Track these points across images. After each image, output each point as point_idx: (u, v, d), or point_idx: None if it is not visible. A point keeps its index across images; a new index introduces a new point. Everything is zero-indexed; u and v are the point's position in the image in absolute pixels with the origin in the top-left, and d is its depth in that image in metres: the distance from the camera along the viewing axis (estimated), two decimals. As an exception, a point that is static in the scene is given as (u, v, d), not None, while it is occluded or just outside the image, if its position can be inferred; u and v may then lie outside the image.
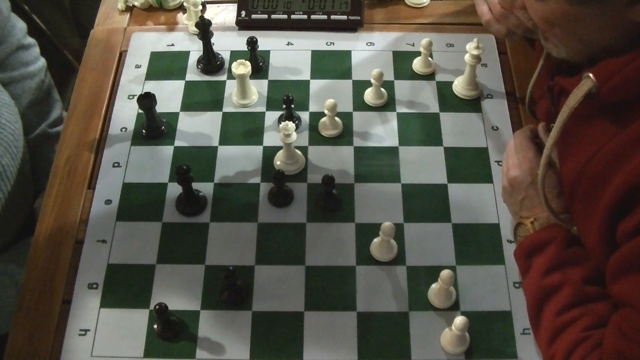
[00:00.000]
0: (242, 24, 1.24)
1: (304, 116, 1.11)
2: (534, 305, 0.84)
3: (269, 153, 1.07)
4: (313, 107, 1.13)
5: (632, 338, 0.71)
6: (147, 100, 1.05)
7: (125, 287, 0.94)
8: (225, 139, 1.09)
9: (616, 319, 0.75)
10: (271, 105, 1.13)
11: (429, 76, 1.17)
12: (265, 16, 1.23)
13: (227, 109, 1.13)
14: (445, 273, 0.88)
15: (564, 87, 0.82)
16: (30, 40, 1.23)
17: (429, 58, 1.17)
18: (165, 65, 1.19)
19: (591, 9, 0.70)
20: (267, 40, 1.20)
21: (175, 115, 1.12)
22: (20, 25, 1.21)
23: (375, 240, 0.96)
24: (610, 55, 0.74)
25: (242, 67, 1.08)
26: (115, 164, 1.06)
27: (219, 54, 1.19)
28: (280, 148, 1.05)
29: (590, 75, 0.74)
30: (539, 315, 0.83)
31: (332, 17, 1.23)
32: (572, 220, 0.86)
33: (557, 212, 0.86)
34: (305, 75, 1.17)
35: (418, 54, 1.17)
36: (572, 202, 0.84)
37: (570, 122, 0.79)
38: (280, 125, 1.01)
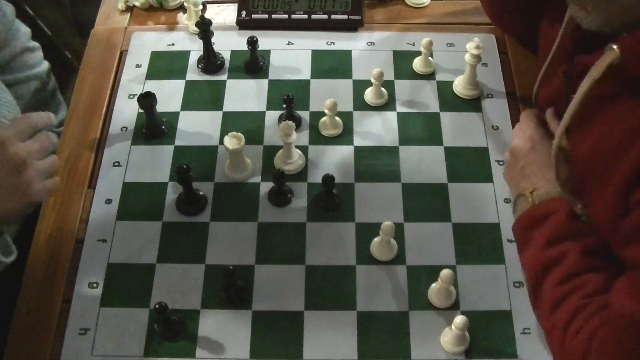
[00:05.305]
0: (243, 24, 1.24)
1: (304, 116, 1.11)
2: (534, 277, 0.84)
3: (269, 152, 1.07)
4: (313, 107, 1.13)
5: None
6: (147, 100, 1.05)
7: (126, 286, 0.94)
8: (225, 139, 1.09)
9: (627, 282, 0.74)
10: (271, 104, 1.13)
11: (429, 76, 1.17)
12: (266, 16, 1.23)
13: (227, 108, 1.13)
14: (445, 272, 0.88)
15: (586, 65, 0.81)
16: (34, 43, 1.24)
17: (429, 58, 1.17)
18: (165, 64, 1.19)
19: None
20: (267, 40, 1.20)
21: (175, 115, 1.12)
22: (24, 29, 1.22)
23: (376, 239, 0.96)
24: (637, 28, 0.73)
25: (235, 141, 1.00)
26: (116, 164, 1.06)
27: (220, 54, 1.19)
28: (280, 147, 1.05)
29: (615, 46, 0.73)
30: (539, 287, 0.83)
31: (333, 16, 1.23)
32: (571, 195, 0.86)
33: (561, 178, 0.86)
34: (306, 74, 1.17)
35: (418, 53, 1.17)
36: (584, 178, 0.84)
37: (590, 102, 0.78)
38: (281, 125, 1.01)
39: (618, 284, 0.76)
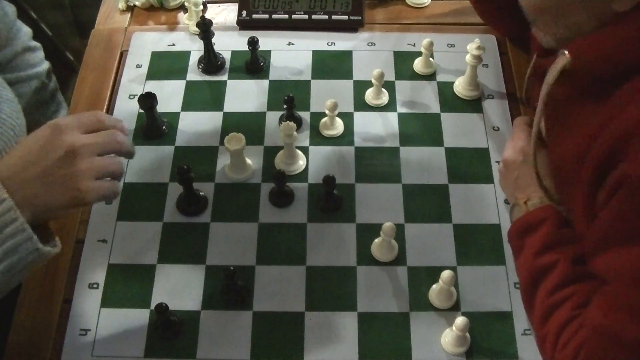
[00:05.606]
0: (243, 24, 1.24)
1: (305, 116, 1.11)
2: (527, 286, 0.85)
3: (270, 153, 1.07)
4: (314, 107, 1.13)
5: (610, 313, 0.72)
6: (147, 100, 1.05)
7: (126, 287, 0.94)
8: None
9: (598, 295, 0.75)
10: (272, 105, 1.13)
11: (430, 76, 1.17)
12: (266, 16, 1.23)
13: (227, 109, 1.13)
14: (446, 273, 0.88)
15: (542, 67, 0.84)
16: (35, 43, 1.24)
17: (430, 58, 1.17)
18: (166, 65, 1.19)
19: None
20: (268, 40, 1.20)
21: (176, 115, 1.12)
22: (26, 29, 1.22)
23: (376, 240, 0.96)
24: None
25: (236, 141, 1.01)
26: (116, 164, 1.06)
27: (220, 54, 1.19)
28: (281, 148, 1.05)
29: (565, 52, 0.77)
30: (532, 296, 0.84)
31: (333, 17, 1.23)
32: (560, 204, 0.87)
33: (548, 189, 0.87)
34: (306, 75, 1.17)
35: (419, 54, 1.17)
36: (560, 184, 0.86)
37: (555, 105, 0.81)
38: (281, 126, 1.01)
39: (594, 298, 0.77)
